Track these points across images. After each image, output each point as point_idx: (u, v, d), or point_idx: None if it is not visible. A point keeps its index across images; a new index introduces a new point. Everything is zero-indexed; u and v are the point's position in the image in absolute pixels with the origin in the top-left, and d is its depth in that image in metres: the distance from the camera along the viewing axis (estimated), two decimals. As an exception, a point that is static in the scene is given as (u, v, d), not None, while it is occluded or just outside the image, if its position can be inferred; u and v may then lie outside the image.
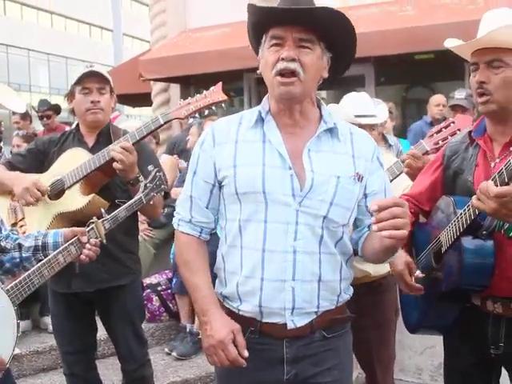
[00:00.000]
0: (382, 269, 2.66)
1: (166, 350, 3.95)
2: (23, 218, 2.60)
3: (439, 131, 2.57)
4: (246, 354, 1.71)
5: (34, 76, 35.01)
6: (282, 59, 1.65)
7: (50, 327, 3.34)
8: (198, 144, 1.85)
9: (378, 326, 2.73)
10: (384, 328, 2.78)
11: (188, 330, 3.93)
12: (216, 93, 2.57)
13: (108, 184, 2.64)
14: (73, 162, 2.59)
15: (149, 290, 4.18)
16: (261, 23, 1.72)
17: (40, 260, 2.09)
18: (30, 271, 2.01)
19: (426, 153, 2.55)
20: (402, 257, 2.07)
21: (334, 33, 1.69)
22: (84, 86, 2.65)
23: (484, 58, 1.89)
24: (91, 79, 2.65)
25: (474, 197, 1.73)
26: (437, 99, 5.76)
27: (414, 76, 7.24)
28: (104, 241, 2.23)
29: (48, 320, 3.74)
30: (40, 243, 2.16)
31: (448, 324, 2.08)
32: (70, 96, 2.71)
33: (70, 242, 2.12)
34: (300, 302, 1.72)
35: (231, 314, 1.78)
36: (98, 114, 2.66)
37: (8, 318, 1.87)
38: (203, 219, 1.84)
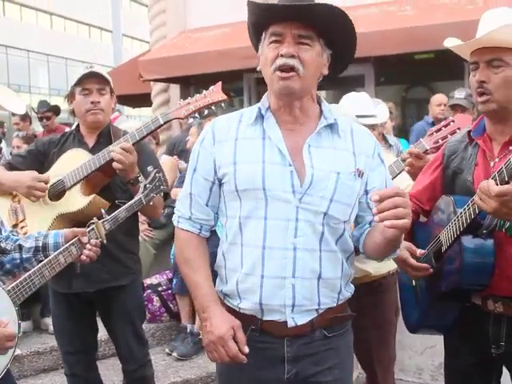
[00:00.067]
0: (383, 268, 2.67)
1: (167, 350, 3.95)
2: (24, 219, 2.60)
3: (439, 130, 2.57)
4: (246, 350, 1.71)
5: (33, 77, 35.01)
6: (281, 56, 1.66)
7: (51, 328, 3.34)
8: (198, 141, 1.85)
9: (378, 326, 2.74)
10: (384, 328, 2.79)
11: (189, 330, 3.93)
12: (216, 92, 2.57)
13: (108, 184, 2.65)
14: (73, 162, 2.59)
15: (149, 291, 4.18)
16: (260, 20, 1.73)
17: (40, 261, 2.09)
18: (30, 271, 2.01)
19: (426, 152, 2.55)
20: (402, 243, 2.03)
21: (334, 29, 1.69)
22: (84, 86, 2.65)
23: (484, 58, 1.89)
24: (91, 80, 2.65)
25: (476, 195, 1.73)
26: (438, 99, 5.71)
27: (414, 76, 7.25)
28: (104, 241, 2.23)
29: (49, 321, 3.75)
30: (40, 244, 2.16)
31: (448, 324, 2.08)
32: (70, 97, 2.72)
33: (71, 242, 2.12)
34: (300, 299, 1.72)
35: (232, 312, 1.79)
36: (98, 114, 2.66)
37: (9, 319, 1.87)
38: (203, 216, 1.84)
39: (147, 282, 4.18)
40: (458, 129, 2.48)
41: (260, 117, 1.78)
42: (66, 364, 2.83)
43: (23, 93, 30.84)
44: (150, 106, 7.72)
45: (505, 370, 2.06)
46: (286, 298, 1.71)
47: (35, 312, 4.18)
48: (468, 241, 1.86)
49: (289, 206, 1.70)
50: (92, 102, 2.64)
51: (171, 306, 4.19)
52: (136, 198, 2.39)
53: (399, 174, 2.62)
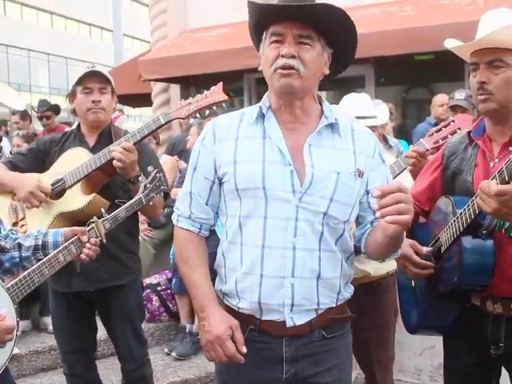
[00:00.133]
0: (382, 269, 2.67)
1: (166, 350, 3.95)
2: (24, 218, 2.60)
3: (439, 130, 2.58)
4: (244, 350, 1.71)
5: (34, 76, 35.03)
6: (282, 56, 1.66)
7: (50, 327, 3.35)
8: (199, 140, 1.85)
9: (377, 327, 2.73)
10: (383, 328, 2.78)
11: (187, 330, 3.93)
12: (217, 93, 2.57)
13: (109, 183, 2.65)
14: (73, 161, 2.59)
15: (149, 290, 4.18)
16: (261, 20, 1.73)
17: (40, 259, 2.09)
18: (30, 269, 2.01)
19: (426, 151, 2.55)
20: (405, 241, 2.02)
21: (334, 29, 1.69)
22: (85, 85, 2.65)
23: (484, 59, 1.89)
24: (92, 79, 2.65)
25: (476, 195, 1.72)
26: (440, 99, 5.63)
27: (414, 77, 7.24)
28: (104, 240, 2.23)
29: (48, 320, 3.74)
30: (40, 242, 2.16)
31: (448, 324, 2.08)
32: (72, 96, 2.72)
33: (71, 241, 2.12)
34: (299, 299, 1.72)
35: (231, 311, 1.78)
36: (99, 113, 2.67)
37: (8, 316, 1.86)
38: (202, 215, 1.84)
39: (146, 281, 4.18)
40: (459, 129, 2.48)
41: (261, 116, 1.78)
42: (65, 363, 2.83)
43: (23, 92, 30.86)
44: (151, 105, 7.73)
45: (504, 371, 2.06)
46: (285, 297, 1.71)
47: (34, 311, 4.18)
48: (468, 241, 1.86)
49: (289, 206, 1.70)
50: (93, 101, 2.64)
51: (170, 305, 4.19)
52: (136, 198, 2.39)
53: (399, 174, 2.62)
